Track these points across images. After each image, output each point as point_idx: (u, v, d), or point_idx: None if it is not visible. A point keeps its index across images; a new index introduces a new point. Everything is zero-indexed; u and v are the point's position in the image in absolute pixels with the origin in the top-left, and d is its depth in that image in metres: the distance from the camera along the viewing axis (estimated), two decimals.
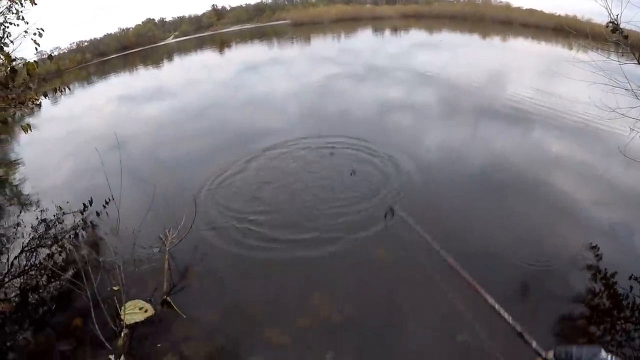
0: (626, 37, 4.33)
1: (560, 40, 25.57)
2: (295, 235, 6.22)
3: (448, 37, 28.27)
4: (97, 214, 7.25)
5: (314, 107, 12.05)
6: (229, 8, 40.15)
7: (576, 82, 6.93)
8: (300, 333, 4.49)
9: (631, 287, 4.99)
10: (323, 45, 26.48)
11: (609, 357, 0.75)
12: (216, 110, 13.04)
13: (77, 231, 6.88)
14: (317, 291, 5.07)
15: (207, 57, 24.21)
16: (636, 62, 4.43)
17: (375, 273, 5.43)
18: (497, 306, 1.26)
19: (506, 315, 1.17)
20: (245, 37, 30.40)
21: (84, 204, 7.53)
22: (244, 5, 40.42)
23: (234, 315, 4.76)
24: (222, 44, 27.95)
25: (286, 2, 41.43)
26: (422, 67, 16.95)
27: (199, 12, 38.93)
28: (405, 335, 4.43)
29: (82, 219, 7.18)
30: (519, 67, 17.37)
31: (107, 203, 7.22)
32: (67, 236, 6.71)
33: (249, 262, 5.69)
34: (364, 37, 29.23)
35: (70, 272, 5.52)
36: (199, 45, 27.85)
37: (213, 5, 39.33)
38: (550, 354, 0.82)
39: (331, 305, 4.85)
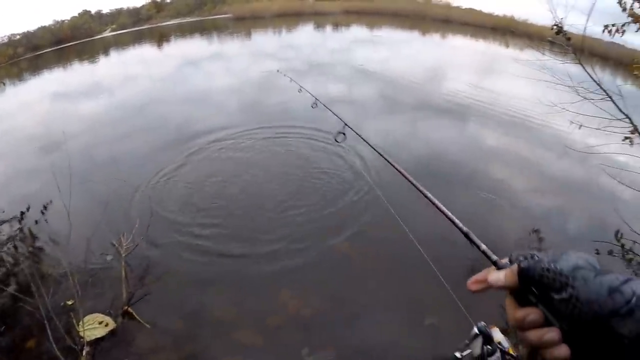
0: (569, 39, 4.58)
1: (497, 39, 26.92)
2: (253, 230, 6.09)
3: (389, 34, 28.82)
4: (35, 222, 6.48)
5: (254, 102, 11.90)
6: (169, 0, 38.54)
7: (518, 79, 7.29)
8: (272, 332, 4.40)
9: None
10: (264, 40, 26.08)
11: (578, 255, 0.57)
12: (156, 106, 12.35)
13: (15, 242, 6.13)
14: (285, 287, 5.01)
15: (146, 51, 22.99)
16: (577, 62, 4.71)
17: (340, 266, 5.44)
18: (442, 207, 1.05)
19: (453, 217, 0.98)
20: (185, 30, 29.24)
21: (21, 212, 6.74)
22: None
23: (202, 320, 4.56)
24: (161, 37, 26.68)
25: None
26: (362, 63, 17.13)
27: (138, 3, 36.75)
28: (376, 324, 4.49)
29: (19, 228, 6.43)
30: (460, 64, 18.04)
31: (45, 208, 6.57)
32: (5, 248, 6.06)
33: (209, 263, 5.47)
34: (306, 33, 29.14)
35: (16, 288, 5.01)
36: (137, 39, 26.38)
37: None
38: (505, 260, 0.64)
39: (299, 301, 4.80)
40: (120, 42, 25.31)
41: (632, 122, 4.50)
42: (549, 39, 5.26)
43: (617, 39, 4.61)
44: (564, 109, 4.84)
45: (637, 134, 4.50)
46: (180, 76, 16.08)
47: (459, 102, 12.26)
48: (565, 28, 4.67)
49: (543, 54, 6.30)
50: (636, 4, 4.36)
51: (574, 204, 7.16)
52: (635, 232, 4.79)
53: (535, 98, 6.90)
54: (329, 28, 30.82)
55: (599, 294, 0.56)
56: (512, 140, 9.76)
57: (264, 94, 12.60)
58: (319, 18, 34.00)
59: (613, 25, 4.51)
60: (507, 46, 24.81)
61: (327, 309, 4.73)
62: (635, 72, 4.62)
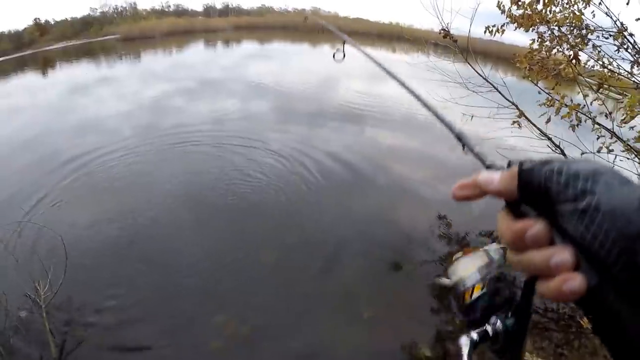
0: (455, 41, 4.87)
1: (385, 45, 28.10)
2: (172, 255, 5.59)
3: (280, 47, 28.84)
4: None
5: (149, 125, 10.97)
6: (53, 22, 34.17)
7: (410, 80, 7.58)
8: (217, 356, 4.15)
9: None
10: (154, 60, 24.64)
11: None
12: (45, 138, 10.64)
13: None
14: (219, 311, 4.68)
15: (30, 79, 20.05)
16: (464, 60, 5.03)
17: (265, 277, 5.25)
18: (436, 110, 0.90)
19: (443, 116, 0.85)
20: (71, 55, 26.15)
21: None
22: (69, 19, 34.75)
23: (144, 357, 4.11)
24: (45, 63, 23.69)
25: (115, 16, 37.20)
26: (255, 77, 17.14)
27: (20, 26, 31.82)
28: (318, 328, 4.48)
29: None
30: (352, 71, 18.44)
31: None
32: None
33: (135, 298, 4.88)
34: (197, 51, 28.04)
35: None
36: (20, 65, 22.80)
37: (35, 19, 32.61)
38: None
39: (236, 321, 4.53)
40: (1, 71, 21.81)
41: (518, 108, 4.95)
42: (437, 42, 5.56)
43: (497, 37, 4.99)
44: (456, 103, 5.10)
45: (523, 118, 4.94)
46: (68, 104, 14.24)
47: (353, 106, 12.63)
48: (452, 31, 4.95)
49: (429, 55, 6.60)
50: (514, 7, 4.70)
51: None
52: None
53: (427, 97, 7.25)
54: (220, 45, 30.00)
55: (628, 205, 0.39)
56: (408, 138, 10.27)
57: (158, 115, 11.78)
58: (210, 35, 32.94)
59: (494, 26, 4.89)
60: (394, 51, 26.07)
61: (264, 322, 4.54)
62: (518, 65, 5.02)
